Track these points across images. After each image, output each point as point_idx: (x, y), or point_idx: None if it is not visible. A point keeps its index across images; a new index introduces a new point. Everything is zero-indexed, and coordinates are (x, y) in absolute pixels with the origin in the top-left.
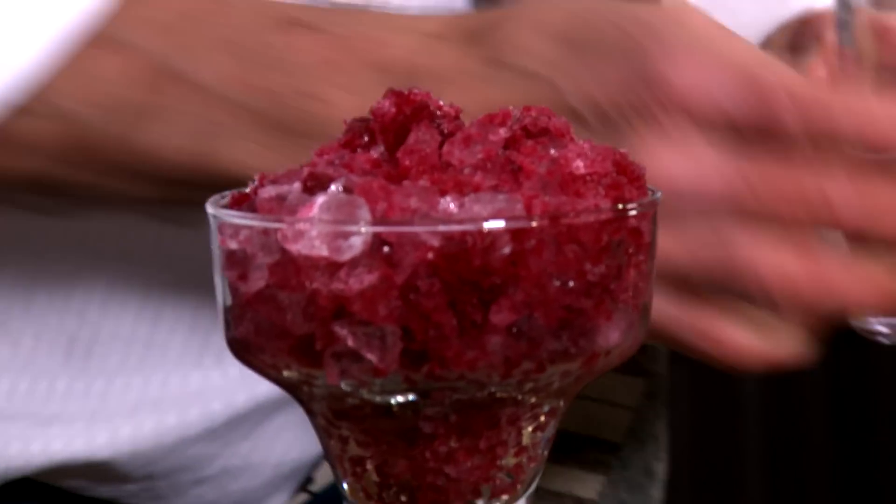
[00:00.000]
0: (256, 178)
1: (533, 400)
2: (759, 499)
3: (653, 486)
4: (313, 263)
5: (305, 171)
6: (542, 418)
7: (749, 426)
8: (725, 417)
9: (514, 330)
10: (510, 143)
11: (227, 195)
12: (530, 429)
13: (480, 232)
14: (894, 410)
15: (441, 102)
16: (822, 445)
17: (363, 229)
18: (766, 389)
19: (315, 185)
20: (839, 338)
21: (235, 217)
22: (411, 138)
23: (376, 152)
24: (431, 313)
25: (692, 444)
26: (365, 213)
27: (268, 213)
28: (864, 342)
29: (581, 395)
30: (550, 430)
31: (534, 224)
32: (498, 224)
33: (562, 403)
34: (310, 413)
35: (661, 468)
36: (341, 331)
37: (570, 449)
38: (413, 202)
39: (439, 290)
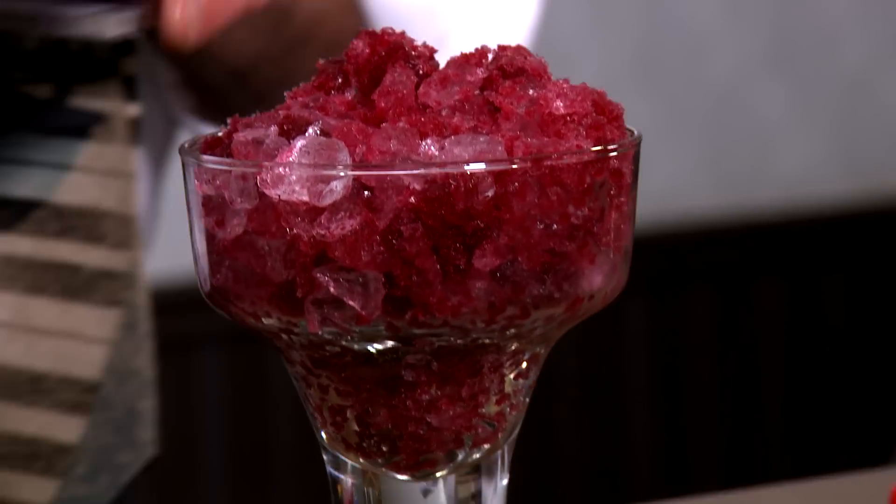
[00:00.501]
0: (229, 121)
1: (515, 346)
2: (644, 440)
3: (139, 426)
4: (293, 209)
5: (281, 114)
6: (524, 365)
7: (636, 380)
8: (611, 368)
9: (498, 275)
10: (486, 84)
11: (199, 139)
12: (512, 376)
13: (463, 175)
14: (778, 346)
15: (416, 42)
16: (706, 381)
17: (344, 173)
18: (652, 336)
19: (292, 128)
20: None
21: (212, 162)
22: (387, 80)
23: (350, 94)
24: (414, 258)
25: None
26: (345, 156)
27: (245, 158)
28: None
29: (44, 329)
30: (532, 378)
31: (517, 166)
32: (481, 166)
33: (542, 350)
34: (288, 361)
35: (147, 406)
36: (323, 277)
37: (41, 390)
38: (393, 145)
39: (422, 234)
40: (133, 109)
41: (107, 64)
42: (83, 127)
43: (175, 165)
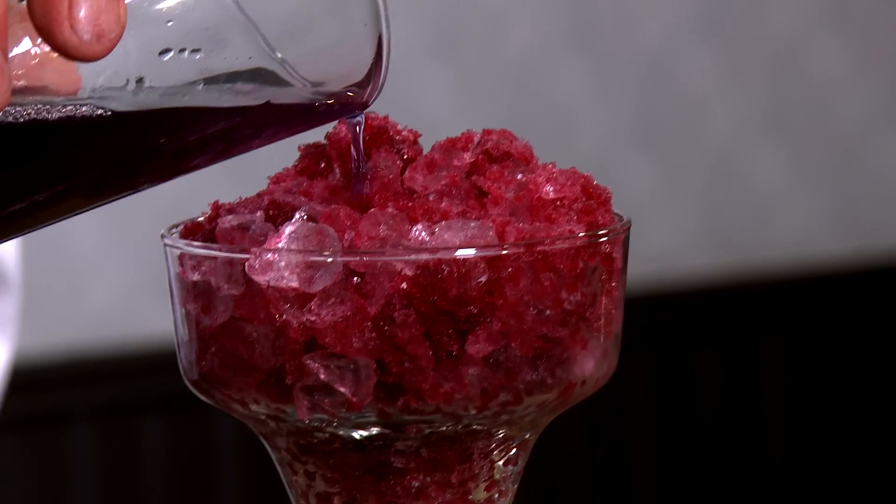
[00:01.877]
0: (209, 207)
1: (505, 432)
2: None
3: None
4: (283, 295)
5: (266, 199)
6: (513, 451)
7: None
8: None
9: (491, 361)
10: (473, 168)
11: (179, 225)
12: (501, 462)
13: (456, 260)
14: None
15: (399, 127)
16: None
17: (335, 259)
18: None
19: (278, 213)
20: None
21: (198, 248)
22: (372, 164)
23: (333, 179)
24: (406, 345)
25: None
26: (335, 242)
27: (230, 244)
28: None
29: None
30: (521, 464)
31: (510, 251)
32: (474, 252)
33: (532, 436)
34: (273, 448)
35: None
36: (313, 364)
37: None
38: (382, 230)
39: (414, 320)
40: None
41: None
42: None
43: None
